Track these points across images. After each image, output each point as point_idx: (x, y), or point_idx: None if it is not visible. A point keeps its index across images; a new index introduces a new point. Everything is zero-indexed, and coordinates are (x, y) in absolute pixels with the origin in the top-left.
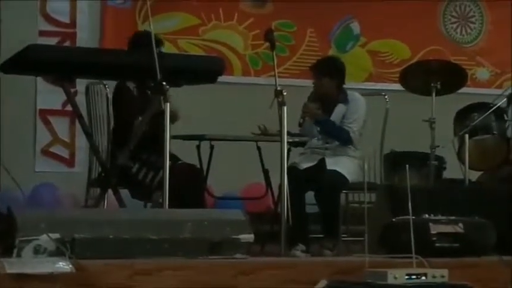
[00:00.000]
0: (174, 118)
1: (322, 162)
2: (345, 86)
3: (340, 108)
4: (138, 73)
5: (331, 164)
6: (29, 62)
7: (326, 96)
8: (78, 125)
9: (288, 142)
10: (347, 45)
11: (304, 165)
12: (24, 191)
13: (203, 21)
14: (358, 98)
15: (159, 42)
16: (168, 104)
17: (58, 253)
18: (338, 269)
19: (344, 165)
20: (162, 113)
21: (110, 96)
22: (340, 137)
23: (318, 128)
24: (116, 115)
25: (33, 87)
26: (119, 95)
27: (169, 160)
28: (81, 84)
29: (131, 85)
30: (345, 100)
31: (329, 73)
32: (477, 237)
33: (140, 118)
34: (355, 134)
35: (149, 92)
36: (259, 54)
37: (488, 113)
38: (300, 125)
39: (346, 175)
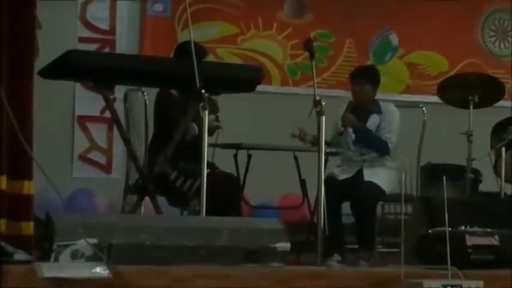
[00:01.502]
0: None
1: (359, 173)
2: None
3: (374, 119)
4: (178, 81)
5: (368, 175)
6: (69, 67)
7: (363, 105)
8: (115, 132)
9: (325, 152)
10: (385, 56)
11: (342, 176)
12: (61, 196)
13: (242, 30)
14: (393, 109)
15: (204, 52)
16: (207, 111)
17: (95, 258)
18: (374, 280)
19: (381, 176)
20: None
21: (148, 103)
22: (378, 147)
23: (353, 138)
24: (158, 121)
25: (71, 93)
26: (162, 101)
27: (207, 168)
28: (119, 91)
29: (174, 92)
30: (378, 111)
31: (370, 81)
32: None
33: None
34: (393, 145)
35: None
36: (297, 64)
37: None
38: (341, 134)
39: (383, 186)
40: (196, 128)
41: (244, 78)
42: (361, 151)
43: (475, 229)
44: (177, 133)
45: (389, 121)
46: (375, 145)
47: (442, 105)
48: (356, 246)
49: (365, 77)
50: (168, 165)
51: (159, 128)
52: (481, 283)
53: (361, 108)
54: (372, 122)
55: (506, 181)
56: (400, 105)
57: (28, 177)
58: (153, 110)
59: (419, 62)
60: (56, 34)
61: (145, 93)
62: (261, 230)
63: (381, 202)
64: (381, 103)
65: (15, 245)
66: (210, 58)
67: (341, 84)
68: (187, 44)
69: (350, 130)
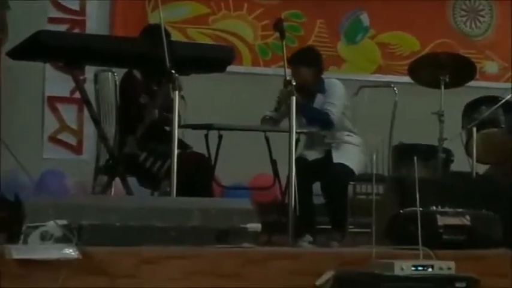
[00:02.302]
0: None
1: (328, 155)
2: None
3: (319, 98)
4: (148, 61)
5: (337, 156)
6: (38, 48)
7: (304, 86)
8: (86, 113)
9: (296, 132)
10: (356, 36)
11: (312, 157)
12: (31, 177)
13: (213, 10)
14: (334, 83)
15: (167, 34)
16: (177, 92)
17: (65, 240)
18: (345, 260)
19: (349, 157)
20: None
21: (118, 84)
22: (319, 120)
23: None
24: (123, 103)
25: (41, 74)
26: (125, 84)
27: (179, 148)
28: (90, 71)
29: (138, 74)
30: (322, 90)
31: (305, 63)
32: (484, 230)
33: (144, 100)
34: (335, 116)
35: (157, 81)
36: (268, 45)
37: (496, 106)
38: (276, 109)
39: (352, 167)
40: (156, 111)
41: (215, 59)
42: (324, 132)
43: (447, 209)
44: (147, 115)
45: (330, 95)
46: (316, 117)
47: (413, 85)
48: (328, 227)
49: (299, 61)
50: (138, 146)
51: (125, 109)
52: (452, 263)
53: (305, 89)
54: (318, 101)
55: (477, 161)
56: (371, 85)
57: None
58: (119, 92)
59: (391, 42)
60: (25, 15)
61: (115, 74)
62: (232, 211)
63: (352, 182)
64: (325, 80)
65: None
66: (181, 39)
67: None
68: (153, 26)
69: None
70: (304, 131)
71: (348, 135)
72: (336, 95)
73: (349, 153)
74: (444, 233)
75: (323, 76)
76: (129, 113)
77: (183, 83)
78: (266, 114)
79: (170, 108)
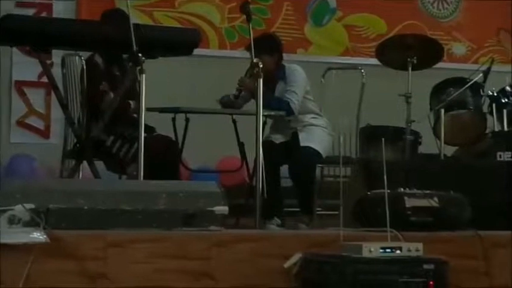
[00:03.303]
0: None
1: (295, 137)
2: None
3: (281, 86)
4: (114, 44)
5: (304, 139)
6: (5, 32)
7: (266, 74)
8: (53, 97)
9: (263, 115)
10: (323, 19)
11: (278, 140)
12: None
13: None
14: (294, 68)
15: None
16: (144, 75)
17: (33, 223)
18: (313, 243)
19: (316, 139)
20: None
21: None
22: (280, 109)
23: None
24: (86, 88)
25: (8, 58)
26: (86, 70)
27: (145, 132)
28: (57, 56)
29: (99, 60)
30: (283, 76)
31: (267, 51)
32: (452, 211)
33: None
34: (295, 104)
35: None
36: (235, 28)
37: (464, 88)
38: (236, 97)
39: (319, 150)
40: (118, 98)
41: (182, 42)
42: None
43: (414, 191)
44: (111, 99)
45: (290, 81)
46: (276, 106)
47: (381, 67)
48: (295, 209)
49: (261, 49)
50: (104, 130)
51: (89, 94)
52: (420, 245)
53: (267, 77)
54: (280, 88)
55: (445, 143)
56: (339, 67)
57: None
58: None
59: (358, 24)
60: None
61: (82, 58)
62: (199, 193)
63: (320, 165)
64: (286, 66)
65: None
66: (148, 22)
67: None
68: (114, 10)
69: None
70: (271, 113)
71: (313, 117)
72: (296, 82)
73: (315, 136)
74: (412, 214)
75: (284, 62)
76: (92, 99)
77: (148, 66)
78: (225, 96)
79: (133, 95)
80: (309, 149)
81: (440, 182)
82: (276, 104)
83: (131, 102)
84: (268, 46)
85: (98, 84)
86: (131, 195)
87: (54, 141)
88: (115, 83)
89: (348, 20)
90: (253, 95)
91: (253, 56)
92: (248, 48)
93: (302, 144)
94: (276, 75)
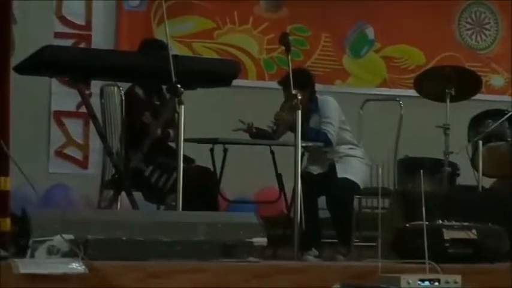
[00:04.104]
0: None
1: (332, 169)
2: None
3: (315, 119)
4: (153, 76)
5: (341, 171)
6: (44, 62)
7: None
8: (92, 127)
9: (302, 147)
10: (361, 50)
11: (316, 171)
12: (38, 192)
13: (218, 24)
14: (326, 100)
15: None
16: (183, 106)
17: (71, 254)
18: (351, 274)
19: (353, 170)
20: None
21: (124, 98)
22: (318, 140)
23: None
24: (126, 118)
25: (47, 88)
26: (127, 101)
27: (184, 163)
28: (95, 86)
29: (140, 91)
30: (316, 109)
31: (299, 85)
32: (490, 243)
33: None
34: (333, 135)
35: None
36: (273, 59)
37: (502, 119)
38: (274, 132)
39: (356, 181)
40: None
41: (220, 73)
42: (325, 148)
43: (453, 223)
44: (150, 133)
45: (324, 113)
46: (315, 138)
47: (419, 99)
48: (333, 241)
49: (290, 83)
50: (143, 160)
51: (129, 125)
52: (458, 277)
53: (302, 111)
54: (313, 121)
55: (483, 174)
56: (377, 98)
57: (4, 173)
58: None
59: (396, 56)
60: (31, 29)
61: (121, 88)
62: (238, 225)
63: (357, 196)
64: (318, 98)
65: None
66: (187, 53)
67: (317, 79)
68: (150, 41)
69: None
70: (309, 144)
71: (350, 148)
72: (330, 112)
73: (353, 167)
74: (450, 246)
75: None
76: (133, 128)
77: (187, 97)
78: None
79: (172, 124)
80: (346, 180)
81: (478, 214)
82: (314, 135)
83: (170, 131)
84: (299, 81)
85: (140, 115)
86: (170, 226)
87: (92, 172)
88: (156, 113)
89: (386, 52)
90: (291, 128)
91: (292, 88)
92: (282, 83)
93: (339, 175)
94: (309, 108)
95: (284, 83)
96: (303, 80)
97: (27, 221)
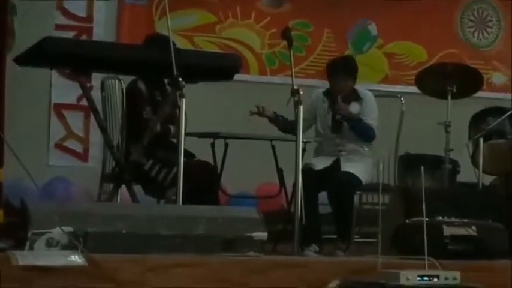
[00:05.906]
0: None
1: (336, 163)
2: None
3: (354, 107)
4: (155, 69)
5: (345, 165)
6: (45, 54)
7: (338, 94)
8: (92, 120)
9: (302, 141)
10: (364, 46)
11: (319, 166)
12: (37, 184)
13: (220, 19)
14: (370, 96)
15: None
16: (184, 100)
17: (70, 246)
18: (350, 270)
19: (358, 166)
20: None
21: (125, 91)
22: (367, 135)
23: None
24: (128, 112)
25: (48, 81)
26: (129, 95)
27: (184, 157)
28: (96, 79)
29: (142, 86)
30: (357, 98)
31: (346, 71)
32: (490, 240)
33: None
34: (376, 131)
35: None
36: (275, 54)
37: (503, 117)
38: (340, 123)
39: (360, 177)
40: (159, 125)
41: (222, 67)
42: (336, 141)
43: (453, 219)
44: (150, 128)
45: (370, 108)
46: (364, 133)
47: (420, 96)
48: (333, 236)
49: (340, 68)
50: (143, 154)
51: (131, 118)
52: (458, 273)
53: (344, 98)
54: (353, 110)
55: (484, 172)
56: (378, 95)
57: None
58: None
59: (398, 52)
60: (32, 21)
61: (122, 81)
62: (238, 219)
63: (358, 192)
64: (359, 90)
65: None
66: (188, 47)
67: (319, 74)
68: (157, 36)
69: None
70: (310, 140)
71: (360, 145)
72: (374, 109)
73: (358, 163)
74: (450, 243)
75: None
76: (133, 123)
77: (188, 91)
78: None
79: (173, 120)
80: (349, 174)
81: (478, 210)
82: (364, 129)
83: (171, 127)
84: (346, 67)
85: (141, 110)
86: (170, 220)
87: (92, 165)
88: (158, 108)
89: (388, 48)
90: (349, 119)
91: (296, 81)
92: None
93: (343, 169)
94: (349, 95)
95: (332, 67)
96: (351, 67)
97: (26, 213)
